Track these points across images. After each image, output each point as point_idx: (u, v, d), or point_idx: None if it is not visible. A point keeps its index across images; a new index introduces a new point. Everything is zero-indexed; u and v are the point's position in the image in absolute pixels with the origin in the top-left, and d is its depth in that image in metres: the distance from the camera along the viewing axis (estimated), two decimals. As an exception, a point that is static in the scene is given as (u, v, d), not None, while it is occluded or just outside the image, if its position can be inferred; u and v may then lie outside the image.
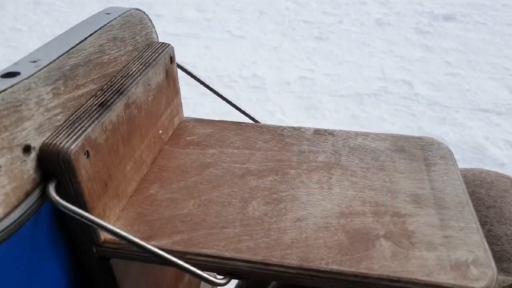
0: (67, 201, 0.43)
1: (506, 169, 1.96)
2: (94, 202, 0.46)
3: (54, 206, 0.43)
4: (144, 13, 0.61)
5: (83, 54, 0.49)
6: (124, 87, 0.53)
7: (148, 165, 0.60)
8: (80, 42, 0.49)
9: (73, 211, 0.42)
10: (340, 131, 0.67)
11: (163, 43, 0.66)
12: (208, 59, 2.89)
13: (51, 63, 0.44)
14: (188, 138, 0.66)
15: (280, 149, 0.63)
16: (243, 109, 0.73)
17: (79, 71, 0.48)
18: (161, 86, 0.63)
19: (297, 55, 2.94)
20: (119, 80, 0.54)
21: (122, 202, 0.53)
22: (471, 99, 2.45)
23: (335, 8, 3.77)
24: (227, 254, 0.46)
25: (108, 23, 0.54)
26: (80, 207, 0.44)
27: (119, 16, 0.56)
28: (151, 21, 0.63)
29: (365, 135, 0.65)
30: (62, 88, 0.46)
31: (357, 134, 0.66)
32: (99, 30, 0.52)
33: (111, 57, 0.54)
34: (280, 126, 0.68)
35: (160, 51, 0.64)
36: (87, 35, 0.50)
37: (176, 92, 0.70)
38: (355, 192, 0.54)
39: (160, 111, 0.63)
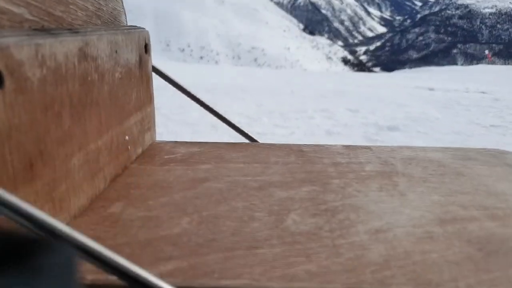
0: None
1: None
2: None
3: None
4: None
5: None
6: (81, 31, 0.38)
7: (106, 180, 0.43)
8: None
9: None
10: (377, 146, 0.57)
11: (135, 25, 0.54)
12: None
13: None
14: (166, 157, 0.52)
15: (305, 163, 0.50)
16: (239, 127, 0.60)
17: None
18: (132, 70, 0.49)
19: (253, 161, 2.86)
20: (72, 26, 0.40)
21: (60, 218, 0.33)
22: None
23: (286, 122, 3.91)
24: (274, 285, 0.28)
25: None
26: None
27: None
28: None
29: (411, 148, 0.56)
30: None
31: (401, 148, 0.58)
32: None
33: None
34: (294, 144, 0.56)
35: (132, 28, 0.52)
36: None
37: (150, 97, 0.57)
38: (442, 197, 0.42)
39: (129, 108, 0.49)
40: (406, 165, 0.50)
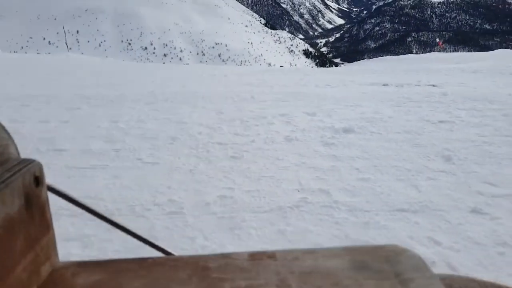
0: None
1: (437, 266, 1.92)
2: None
3: None
4: None
5: None
6: None
7: None
8: None
9: None
10: (282, 252, 0.54)
11: (25, 159, 0.50)
12: (117, 189, 2.66)
13: None
14: None
15: None
16: (146, 238, 0.55)
17: None
18: (14, 220, 0.46)
19: (214, 175, 2.87)
20: None
21: None
22: (386, 201, 2.52)
23: (246, 130, 3.94)
24: None
25: None
26: None
27: None
28: (5, 129, 0.46)
29: (314, 253, 0.54)
30: None
31: (303, 253, 0.54)
32: None
33: None
34: (202, 256, 0.53)
35: (16, 169, 0.48)
36: None
37: (47, 227, 0.53)
38: None
39: (11, 261, 0.45)
40: (302, 286, 0.50)
